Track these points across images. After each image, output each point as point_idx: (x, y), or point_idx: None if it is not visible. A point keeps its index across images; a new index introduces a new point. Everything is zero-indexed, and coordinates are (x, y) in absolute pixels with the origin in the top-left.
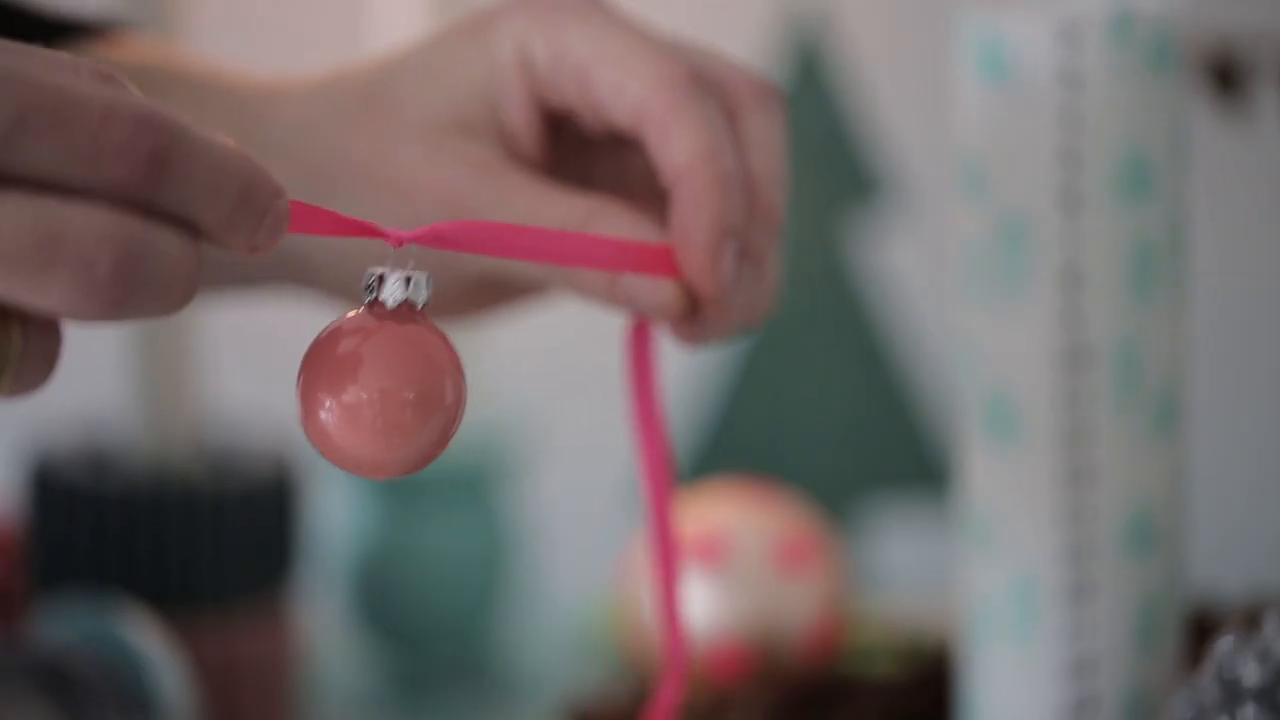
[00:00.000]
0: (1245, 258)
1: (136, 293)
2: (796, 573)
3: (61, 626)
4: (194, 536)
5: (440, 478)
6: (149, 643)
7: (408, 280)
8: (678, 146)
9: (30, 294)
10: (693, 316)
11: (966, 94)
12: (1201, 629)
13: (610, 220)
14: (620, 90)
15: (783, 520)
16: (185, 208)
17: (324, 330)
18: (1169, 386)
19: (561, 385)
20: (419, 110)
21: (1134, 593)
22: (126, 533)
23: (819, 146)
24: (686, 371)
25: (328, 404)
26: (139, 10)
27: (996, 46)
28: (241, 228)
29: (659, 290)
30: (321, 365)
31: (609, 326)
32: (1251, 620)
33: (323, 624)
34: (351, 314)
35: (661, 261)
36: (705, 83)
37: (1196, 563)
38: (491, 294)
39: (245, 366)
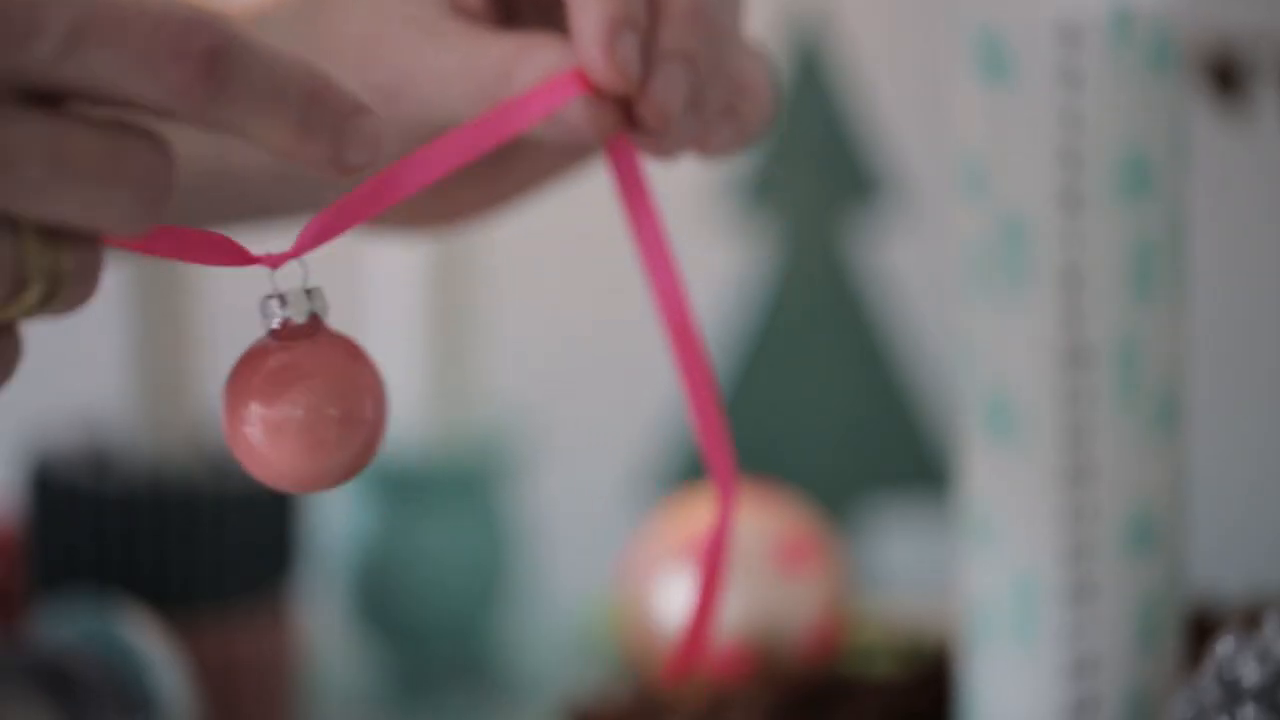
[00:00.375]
0: (1245, 258)
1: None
2: (796, 573)
3: (61, 626)
4: (194, 536)
5: (440, 478)
6: (149, 643)
7: (282, 299)
8: None
9: (94, 210)
10: (632, 127)
11: (966, 94)
12: (1201, 629)
13: (540, 51)
14: None
15: (783, 520)
16: (246, 118)
17: (246, 350)
18: (1169, 386)
19: (561, 385)
20: None
21: (1134, 593)
22: (126, 533)
23: (819, 146)
24: None
25: (253, 421)
26: None
27: (996, 46)
28: (316, 139)
29: (583, 107)
30: (246, 384)
31: (609, 326)
32: (1251, 620)
33: (323, 624)
34: (267, 336)
35: (581, 80)
36: None
37: (1196, 563)
38: (478, 180)
39: None
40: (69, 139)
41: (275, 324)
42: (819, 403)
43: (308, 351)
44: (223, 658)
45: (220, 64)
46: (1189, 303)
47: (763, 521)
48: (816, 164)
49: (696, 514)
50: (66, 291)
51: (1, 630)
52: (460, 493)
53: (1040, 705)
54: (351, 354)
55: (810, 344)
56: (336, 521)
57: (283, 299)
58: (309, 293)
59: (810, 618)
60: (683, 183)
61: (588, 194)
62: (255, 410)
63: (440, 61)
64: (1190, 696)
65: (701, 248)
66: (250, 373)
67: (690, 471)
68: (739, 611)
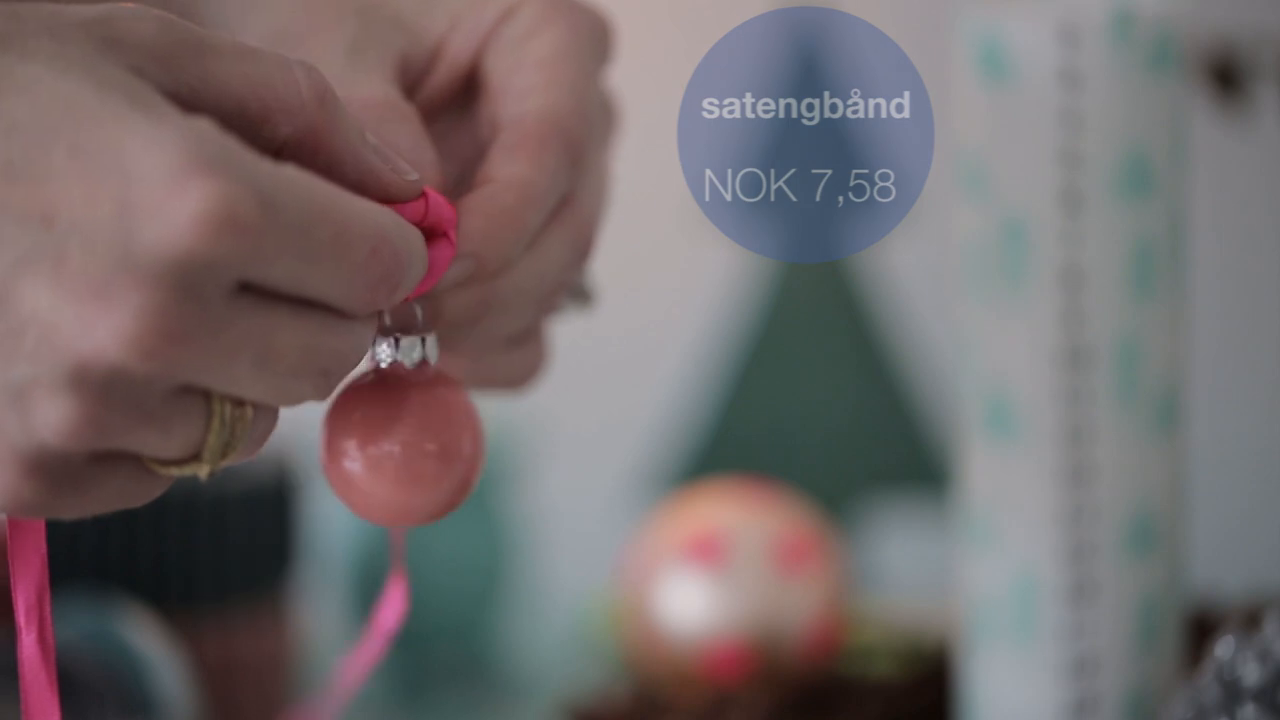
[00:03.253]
0: (1245, 258)
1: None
2: (796, 573)
3: (61, 626)
4: (194, 536)
5: None
6: (149, 643)
7: (396, 342)
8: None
9: (278, 395)
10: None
11: (966, 94)
12: (1201, 629)
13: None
14: (520, 98)
15: (783, 520)
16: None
17: (347, 385)
18: (1169, 386)
19: (562, 386)
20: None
21: (1134, 593)
22: (127, 533)
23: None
24: (686, 371)
25: (352, 456)
26: None
27: (996, 46)
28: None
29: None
30: (346, 419)
31: (609, 327)
32: (1251, 620)
33: (323, 624)
34: (370, 372)
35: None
36: (574, 144)
37: (1196, 563)
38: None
39: None
40: (277, 337)
41: (384, 364)
42: (819, 403)
43: (406, 387)
44: (223, 658)
45: (396, 289)
46: (1189, 303)
47: (763, 521)
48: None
49: (696, 514)
50: (234, 455)
51: (1, 630)
52: None
53: (1040, 705)
54: (449, 390)
55: (810, 344)
56: (336, 521)
57: (396, 341)
58: (424, 340)
59: (810, 618)
60: (683, 183)
61: None
62: (354, 445)
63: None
64: (1190, 696)
65: (701, 248)
66: (350, 408)
67: (690, 471)
68: (739, 611)
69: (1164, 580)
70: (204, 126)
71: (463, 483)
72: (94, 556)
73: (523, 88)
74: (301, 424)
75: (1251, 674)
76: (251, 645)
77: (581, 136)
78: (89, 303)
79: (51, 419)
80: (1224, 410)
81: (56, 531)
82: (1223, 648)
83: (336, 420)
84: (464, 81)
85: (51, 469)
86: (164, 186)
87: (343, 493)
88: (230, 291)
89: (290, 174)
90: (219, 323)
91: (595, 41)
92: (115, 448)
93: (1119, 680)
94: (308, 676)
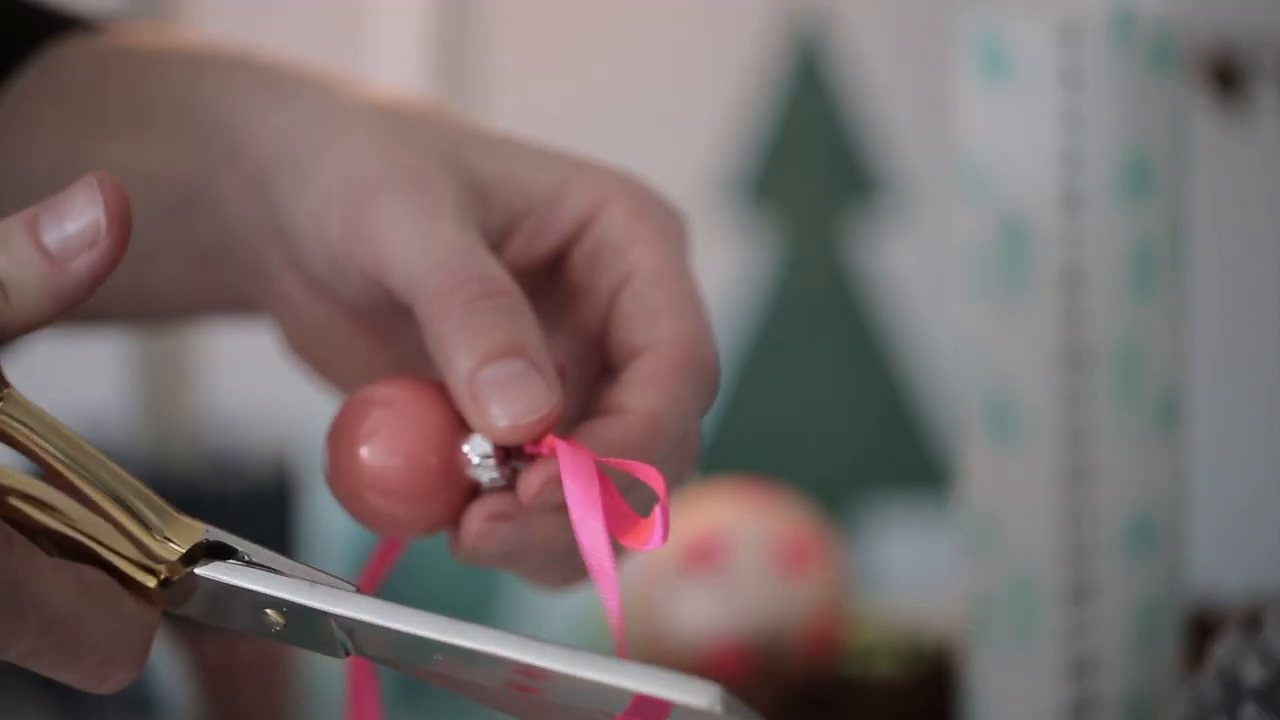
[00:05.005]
0: (1245, 258)
1: None
2: (796, 573)
3: None
4: None
5: None
6: None
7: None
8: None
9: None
10: None
11: (966, 94)
12: (1201, 629)
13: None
14: (649, 322)
15: (783, 520)
16: None
17: (350, 396)
18: (1169, 386)
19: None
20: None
21: (1134, 593)
22: None
23: (819, 146)
24: None
25: (355, 469)
26: (140, 7)
27: (996, 46)
28: None
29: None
30: (349, 431)
31: None
32: (1252, 620)
33: None
34: (376, 382)
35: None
36: (711, 374)
37: (1196, 563)
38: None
39: (245, 366)
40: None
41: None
42: (819, 403)
43: (411, 399)
44: (223, 658)
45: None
46: (1189, 303)
47: (763, 521)
48: (816, 164)
49: (695, 514)
50: None
51: None
52: None
53: (1040, 705)
54: (451, 404)
55: (810, 344)
56: (336, 521)
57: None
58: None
59: (810, 618)
60: (683, 182)
61: None
62: (356, 458)
63: (411, 249)
64: (1191, 696)
65: (701, 248)
66: (354, 420)
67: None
68: (739, 611)
69: (1164, 580)
70: None
71: (465, 495)
72: None
73: (649, 309)
74: (301, 424)
75: (1252, 674)
76: (251, 645)
77: (716, 366)
78: None
79: None
80: (1224, 410)
81: None
82: (1223, 648)
83: (338, 433)
84: (539, 268)
85: None
86: None
87: (345, 503)
88: None
89: None
90: None
91: (686, 240)
92: None
93: (1119, 680)
94: (308, 676)
